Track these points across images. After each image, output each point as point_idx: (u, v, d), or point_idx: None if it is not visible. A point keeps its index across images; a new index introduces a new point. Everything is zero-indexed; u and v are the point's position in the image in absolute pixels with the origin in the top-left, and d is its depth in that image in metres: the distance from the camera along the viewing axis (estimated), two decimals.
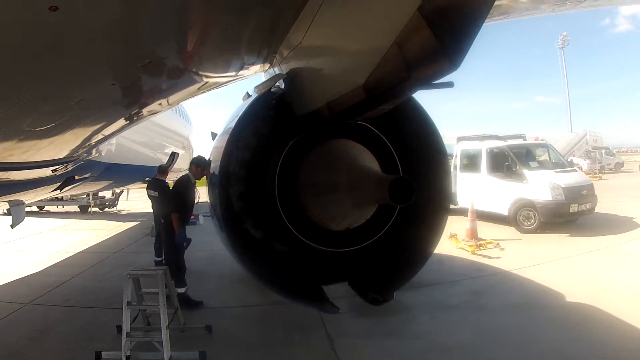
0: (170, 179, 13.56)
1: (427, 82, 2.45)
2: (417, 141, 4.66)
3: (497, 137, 17.20)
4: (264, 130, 4.35)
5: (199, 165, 8.24)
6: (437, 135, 4.73)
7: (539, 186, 14.30)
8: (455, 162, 17.91)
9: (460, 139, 18.51)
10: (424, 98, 4.52)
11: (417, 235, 4.70)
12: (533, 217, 14.26)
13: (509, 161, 15.45)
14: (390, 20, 2.27)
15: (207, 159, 8.47)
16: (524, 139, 17.41)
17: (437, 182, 4.73)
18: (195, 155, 23.73)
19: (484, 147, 16.67)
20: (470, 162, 17.49)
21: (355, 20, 2.67)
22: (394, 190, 3.38)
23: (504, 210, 15.18)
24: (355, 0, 2.63)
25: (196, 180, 8.54)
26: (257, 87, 4.48)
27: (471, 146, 17.76)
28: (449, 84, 2.96)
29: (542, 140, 18.38)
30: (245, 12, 2.98)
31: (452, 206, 16.23)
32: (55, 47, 2.43)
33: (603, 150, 48.52)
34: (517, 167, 15.04)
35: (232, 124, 4.40)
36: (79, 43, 2.50)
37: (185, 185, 8.31)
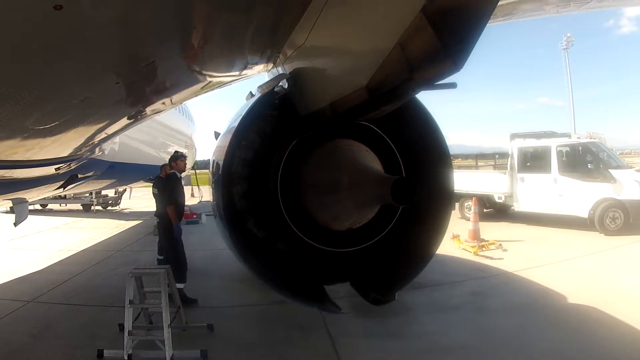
0: None
1: (430, 83, 2.45)
2: (419, 141, 4.67)
3: (549, 135, 16.36)
4: (266, 129, 4.37)
5: (176, 159, 8.85)
6: (440, 136, 4.73)
7: (628, 185, 13.35)
8: (512, 162, 16.26)
9: (514, 136, 17.02)
10: (426, 98, 4.52)
11: (420, 236, 4.71)
12: (619, 217, 13.38)
13: (591, 160, 14.58)
14: (393, 21, 2.28)
15: (178, 152, 8.90)
16: (569, 137, 16.44)
17: (440, 182, 4.74)
18: (198, 154, 23.90)
19: (554, 144, 15.24)
20: (534, 162, 15.89)
21: (358, 20, 2.67)
22: (397, 190, 3.39)
23: (582, 212, 14.00)
24: (359, 1, 2.64)
25: (182, 175, 8.97)
26: (260, 86, 4.50)
27: (533, 144, 16.22)
28: (452, 85, 2.97)
29: (595, 138, 16.73)
30: (249, 12, 2.99)
31: (508, 208, 16.32)
32: (60, 46, 2.44)
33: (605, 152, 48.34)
34: (602, 165, 14.16)
35: (235, 124, 4.41)
36: (83, 42, 2.51)
37: (175, 181, 8.61)
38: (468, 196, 16.64)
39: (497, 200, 16.50)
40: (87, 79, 3.17)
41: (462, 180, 16.77)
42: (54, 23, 2.16)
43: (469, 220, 14.11)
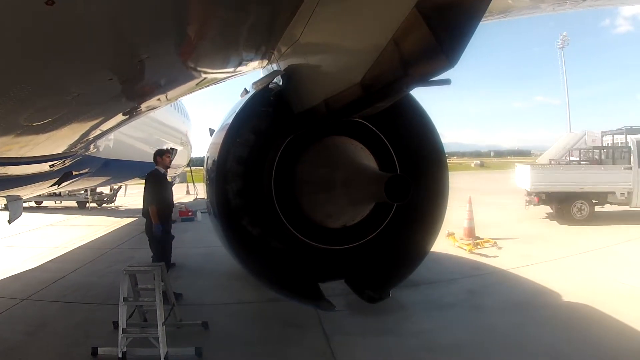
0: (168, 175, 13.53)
1: (424, 80, 2.45)
2: (414, 139, 4.69)
3: None
4: (261, 126, 4.37)
5: (162, 155, 8.83)
6: (435, 134, 4.75)
7: None
8: (635, 158, 15.23)
9: (630, 131, 16.45)
10: (421, 95, 4.53)
11: (414, 234, 4.73)
12: None
13: None
14: (387, 17, 2.27)
15: (163, 148, 8.66)
16: None
17: (435, 180, 4.75)
18: (192, 151, 23.79)
19: None
20: None
21: (352, 17, 2.67)
22: (391, 188, 3.39)
23: None
24: None
25: (166, 171, 8.91)
26: (254, 83, 4.51)
27: None
28: (446, 81, 2.95)
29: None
30: (243, 9, 2.97)
31: (630, 208, 15.54)
32: (52, 41, 2.43)
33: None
34: None
35: (230, 120, 4.42)
36: (76, 38, 2.49)
37: (156, 178, 8.55)
38: (580, 196, 15.55)
39: (620, 197, 15.46)
40: (80, 75, 3.15)
41: (569, 177, 15.90)
42: (46, 18, 2.14)
43: (580, 222, 14.49)
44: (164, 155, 8.75)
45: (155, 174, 8.57)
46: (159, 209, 8.17)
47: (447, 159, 5.13)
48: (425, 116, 4.70)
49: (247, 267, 4.55)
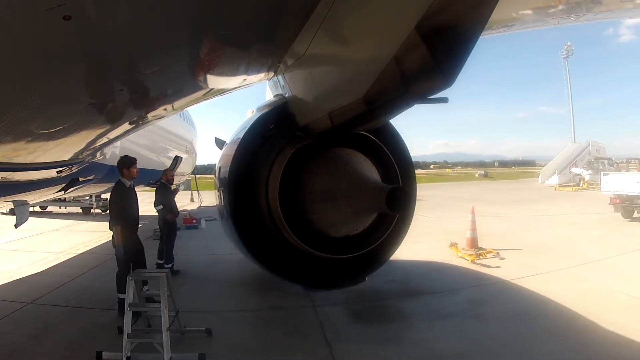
0: (174, 182, 13.60)
1: (423, 97, 2.54)
2: (401, 152, 4.98)
3: None
4: (268, 139, 4.52)
5: (130, 166, 7.93)
6: (406, 146, 5.10)
7: None
8: None
9: None
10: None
11: (394, 235, 5.02)
12: None
13: None
14: (389, 36, 2.36)
15: (130, 156, 7.95)
16: None
17: (413, 188, 5.05)
18: (197, 159, 23.86)
19: None
20: None
21: (356, 34, 2.76)
22: (391, 199, 3.48)
23: None
24: (358, 15, 2.71)
25: (132, 183, 8.08)
26: (258, 108, 4.86)
27: None
28: (444, 100, 3.04)
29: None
30: (251, 23, 3.06)
31: None
32: (67, 54, 2.52)
33: (605, 161, 48.40)
34: None
35: (241, 135, 4.68)
36: (91, 51, 2.59)
37: (120, 194, 7.87)
38: None
39: None
40: (92, 86, 3.25)
41: None
42: (62, 32, 2.23)
43: None
44: (130, 167, 7.89)
45: (121, 186, 7.86)
46: (124, 227, 7.54)
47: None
48: (395, 129, 5.02)
49: (255, 260, 4.81)
